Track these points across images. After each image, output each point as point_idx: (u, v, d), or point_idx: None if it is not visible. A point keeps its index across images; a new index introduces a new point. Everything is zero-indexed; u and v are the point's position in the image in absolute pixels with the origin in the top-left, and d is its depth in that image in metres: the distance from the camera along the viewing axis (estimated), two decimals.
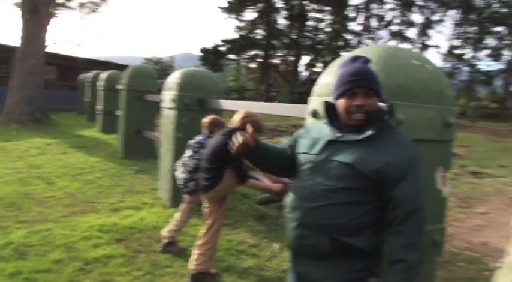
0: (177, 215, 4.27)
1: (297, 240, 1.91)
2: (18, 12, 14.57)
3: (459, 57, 36.18)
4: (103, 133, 12.05)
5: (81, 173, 7.23)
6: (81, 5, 19.78)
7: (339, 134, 1.89)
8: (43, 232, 4.47)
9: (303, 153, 1.98)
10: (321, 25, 39.70)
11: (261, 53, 39.39)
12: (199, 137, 4.13)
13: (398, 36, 37.61)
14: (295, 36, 39.38)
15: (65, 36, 34.46)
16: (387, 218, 1.80)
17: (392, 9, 37.68)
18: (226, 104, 5.27)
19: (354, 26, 38.77)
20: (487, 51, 35.29)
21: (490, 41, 35.20)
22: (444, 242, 2.73)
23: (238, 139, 2.01)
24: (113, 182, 6.76)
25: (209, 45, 39.80)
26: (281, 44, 39.98)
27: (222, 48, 38.61)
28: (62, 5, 18.81)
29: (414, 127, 2.42)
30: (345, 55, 2.37)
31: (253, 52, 39.84)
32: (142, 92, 8.84)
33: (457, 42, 36.53)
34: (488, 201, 6.82)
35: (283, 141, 2.27)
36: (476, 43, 35.35)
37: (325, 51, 37.42)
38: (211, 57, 37.75)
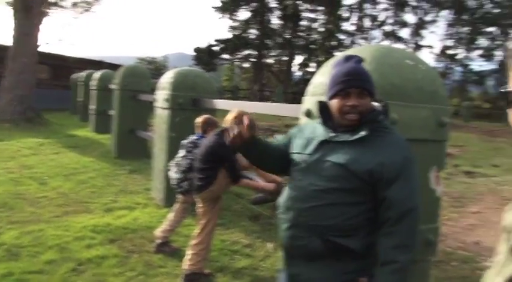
0: (171, 215, 4.26)
1: (289, 241, 1.89)
2: (10, 11, 14.47)
3: (452, 57, 36.31)
4: (96, 133, 11.99)
5: (74, 173, 7.19)
6: (74, 4, 19.71)
7: (333, 134, 1.87)
8: (35, 233, 4.44)
9: (297, 153, 1.97)
10: (315, 25, 39.72)
11: (255, 52, 39.34)
12: (192, 137, 4.12)
13: (392, 36, 37.68)
14: (289, 36, 39.38)
15: (58, 36, 34.31)
16: (380, 218, 1.78)
17: (386, 10, 37.75)
18: (220, 103, 5.27)
19: (347, 26, 38.81)
20: (480, 52, 35.43)
21: (483, 42, 35.35)
22: (438, 242, 2.73)
23: (234, 130, 1.99)
24: (106, 182, 6.73)
25: (203, 44, 39.84)
26: (275, 44, 39.95)
27: (216, 48, 38.53)
28: (55, 4, 18.72)
29: (408, 127, 2.43)
30: (339, 55, 2.36)
31: (246, 52, 39.78)
32: (135, 91, 8.82)
33: (449, 43, 36.68)
34: (481, 201, 6.86)
35: (277, 138, 2.25)
36: (469, 43, 35.49)
37: (319, 51, 37.45)
38: (205, 56, 37.66)
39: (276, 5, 38.81)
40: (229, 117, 3.55)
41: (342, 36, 38.39)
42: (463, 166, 9.75)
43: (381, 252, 1.74)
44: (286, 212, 1.91)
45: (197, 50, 38.13)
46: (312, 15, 39.49)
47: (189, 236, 3.99)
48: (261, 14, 38.23)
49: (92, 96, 12.94)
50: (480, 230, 5.42)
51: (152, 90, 7.33)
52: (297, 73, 41.56)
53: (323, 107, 1.96)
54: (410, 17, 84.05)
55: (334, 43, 37.44)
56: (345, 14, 38.36)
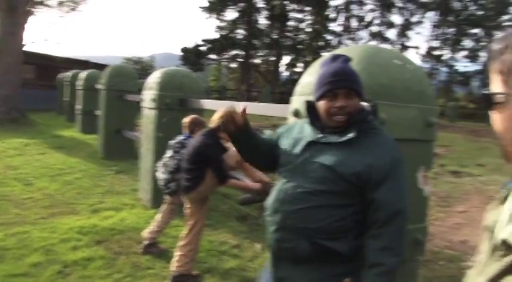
0: (158, 216, 4.23)
1: (277, 243, 1.85)
2: None
3: (437, 58, 36.72)
4: (82, 133, 11.90)
5: (60, 174, 7.12)
6: (60, 3, 19.46)
7: (320, 135, 1.84)
8: (20, 234, 4.38)
9: (284, 153, 1.94)
10: (302, 25, 39.90)
11: (242, 52, 39.37)
12: (180, 137, 4.09)
13: (378, 36, 37.99)
14: (276, 36, 39.47)
15: (43, 35, 33.91)
16: (368, 220, 1.75)
17: (372, 10, 38.08)
18: (207, 103, 5.24)
19: (334, 26, 39.09)
20: (465, 53, 35.94)
21: (467, 43, 35.89)
22: (426, 241, 2.74)
23: (228, 116, 1.99)
24: (92, 183, 6.66)
25: (190, 44, 39.72)
26: (262, 44, 40.03)
27: (203, 48, 38.47)
28: (41, 3, 18.47)
29: (396, 127, 2.43)
30: (326, 55, 2.35)
31: (234, 52, 39.79)
32: (122, 91, 8.76)
33: (435, 44, 37.12)
34: (468, 200, 6.93)
35: (266, 133, 2.21)
36: (454, 44, 35.94)
37: (306, 51, 37.62)
38: (192, 56, 37.58)
39: (264, 5, 38.91)
40: (216, 116, 3.53)
41: (329, 37, 38.69)
42: (449, 166, 9.83)
43: (368, 255, 1.71)
44: (273, 214, 1.87)
45: (184, 50, 38.04)
46: (299, 16, 39.73)
47: (177, 237, 3.96)
48: (248, 14, 38.25)
49: (78, 96, 12.83)
50: (466, 229, 5.46)
51: (139, 90, 7.28)
52: (285, 73, 41.73)
53: (310, 107, 1.92)
54: (396, 18, 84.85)
55: (321, 43, 37.67)
56: (332, 15, 38.67)
